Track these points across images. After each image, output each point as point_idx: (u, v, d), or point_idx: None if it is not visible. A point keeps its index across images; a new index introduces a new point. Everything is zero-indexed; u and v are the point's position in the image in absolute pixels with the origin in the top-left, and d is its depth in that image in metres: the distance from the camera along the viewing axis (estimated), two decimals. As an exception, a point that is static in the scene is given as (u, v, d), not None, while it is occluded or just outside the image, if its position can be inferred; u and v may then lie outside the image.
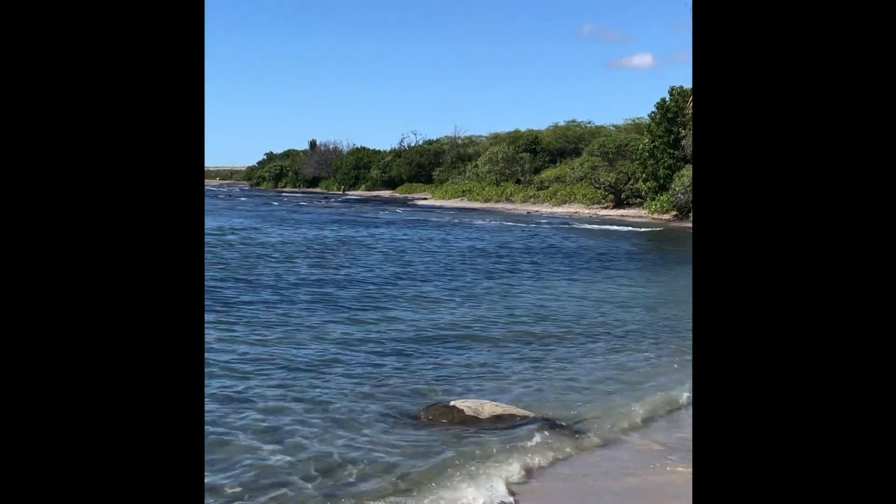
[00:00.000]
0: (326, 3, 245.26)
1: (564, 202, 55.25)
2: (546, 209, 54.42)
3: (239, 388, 7.38)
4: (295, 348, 9.20)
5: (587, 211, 51.09)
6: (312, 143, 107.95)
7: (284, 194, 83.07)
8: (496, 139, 74.86)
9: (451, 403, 6.94)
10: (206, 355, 8.39)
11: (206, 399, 6.85)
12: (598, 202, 52.50)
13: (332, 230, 29.76)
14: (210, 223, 28.68)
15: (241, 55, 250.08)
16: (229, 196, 67.54)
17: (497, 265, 19.58)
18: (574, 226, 38.47)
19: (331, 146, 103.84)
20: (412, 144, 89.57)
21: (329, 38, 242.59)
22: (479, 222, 38.43)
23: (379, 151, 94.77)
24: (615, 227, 36.92)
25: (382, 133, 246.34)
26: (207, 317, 10.60)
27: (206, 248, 19.61)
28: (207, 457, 5.03)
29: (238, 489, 5.01)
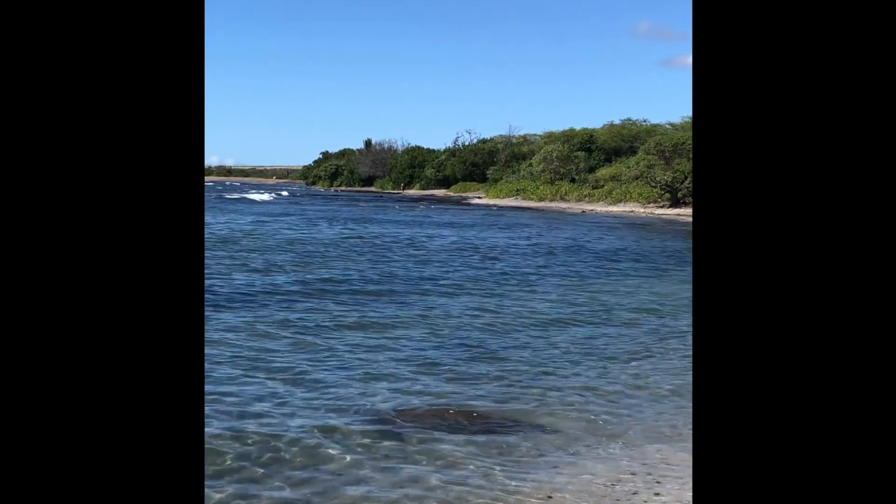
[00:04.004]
0: (382, 3, 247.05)
1: (619, 201, 54.70)
2: (601, 208, 53.97)
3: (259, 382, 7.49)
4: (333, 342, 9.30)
5: (643, 210, 50.51)
6: (367, 143, 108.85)
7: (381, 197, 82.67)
8: (551, 138, 74.39)
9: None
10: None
11: (217, 394, 6.96)
12: (654, 201, 51.85)
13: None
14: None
15: (297, 55, 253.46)
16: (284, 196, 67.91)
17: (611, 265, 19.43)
18: (638, 224, 38.02)
19: (386, 145, 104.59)
20: (466, 143, 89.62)
21: (385, 37, 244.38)
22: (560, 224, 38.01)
23: (433, 150, 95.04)
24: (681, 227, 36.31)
25: (437, 132, 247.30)
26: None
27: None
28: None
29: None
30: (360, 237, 25.68)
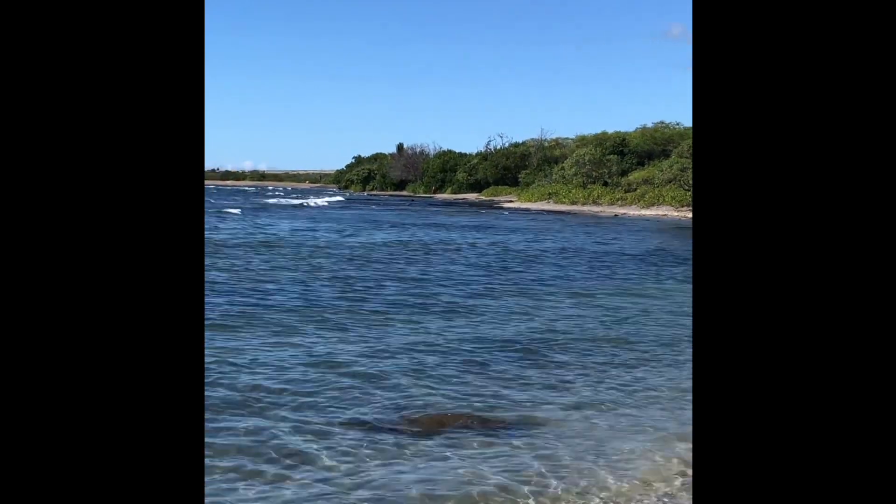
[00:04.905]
0: (413, 8, 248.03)
1: (652, 204, 54.33)
2: (634, 212, 53.65)
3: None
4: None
5: (676, 213, 50.12)
6: (399, 147, 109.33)
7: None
8: (583, 141, 74.22)
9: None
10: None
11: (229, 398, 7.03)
12: (687, 204, 51.39)
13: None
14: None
15: (329, 60, 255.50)
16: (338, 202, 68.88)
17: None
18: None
19: (418, 149, 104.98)
20: (498, 147, 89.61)
21: (417, 41, 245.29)
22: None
23: (465, 154, 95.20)
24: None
25: (469, 136, 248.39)
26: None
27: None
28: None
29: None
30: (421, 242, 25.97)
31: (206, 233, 25.19)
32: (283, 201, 64.38)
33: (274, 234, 26.81)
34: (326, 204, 60.34)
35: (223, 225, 30.94)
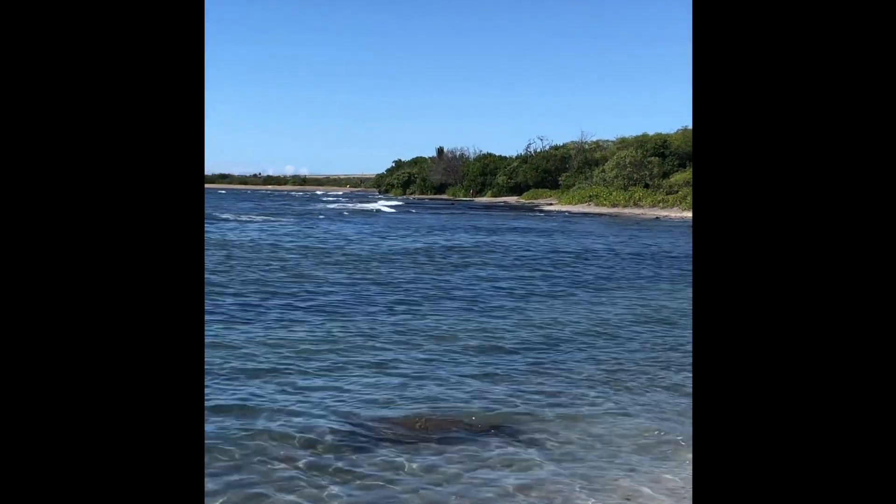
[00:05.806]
0: (451, 13, 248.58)
1: (694, 206, 53.72)
2: (675, 214, 53.14)
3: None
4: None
5: (718, 215, 49.44)
6: (440, 151, 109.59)
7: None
8: (623, 143, 73.67)
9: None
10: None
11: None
12: (729, 206, 50.69)
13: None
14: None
15: (369, 66, 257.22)
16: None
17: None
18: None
19: (458, 153, 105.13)
20: (538, 150, 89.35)
21: (456, 44, 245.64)
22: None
23: (505, 157, 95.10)
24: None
25: (509, 139, 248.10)
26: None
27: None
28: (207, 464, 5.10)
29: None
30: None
31: (317, 237, 25.43)
32: (351, 206, 65.01)
33: (395, 243, 26.92)
34: (393, 210, 60.61)
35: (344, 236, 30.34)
